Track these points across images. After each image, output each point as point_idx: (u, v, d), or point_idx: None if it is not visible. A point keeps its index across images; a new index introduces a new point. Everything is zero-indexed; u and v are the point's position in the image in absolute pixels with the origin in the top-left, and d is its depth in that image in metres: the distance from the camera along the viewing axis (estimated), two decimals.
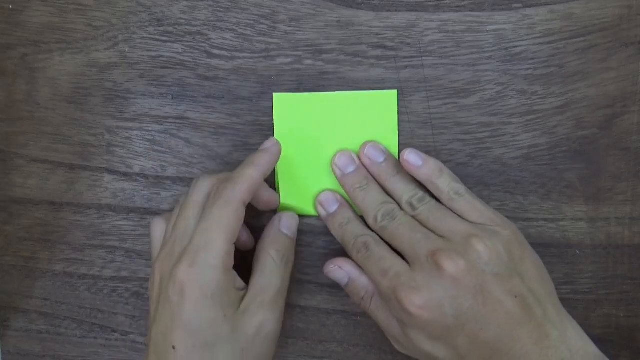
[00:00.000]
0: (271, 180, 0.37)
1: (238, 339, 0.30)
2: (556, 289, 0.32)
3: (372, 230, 0.34)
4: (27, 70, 0.38)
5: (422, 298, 0.30)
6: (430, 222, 0.33)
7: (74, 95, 0.38)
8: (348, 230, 0.34)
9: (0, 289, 0.40)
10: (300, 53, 0.36)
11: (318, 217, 0.37)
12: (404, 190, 0.34)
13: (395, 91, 0.36)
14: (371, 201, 0.34)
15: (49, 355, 0.40)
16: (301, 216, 0.37)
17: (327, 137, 0.36)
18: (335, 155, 0.36)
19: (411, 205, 0.33)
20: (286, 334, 0.38)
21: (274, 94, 0.37)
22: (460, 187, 0.33)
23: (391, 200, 0.34)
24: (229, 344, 0.30)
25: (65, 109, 0.38)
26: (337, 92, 0.36)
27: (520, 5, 0.35)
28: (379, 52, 0.36)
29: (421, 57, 0.36)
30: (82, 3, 0.37)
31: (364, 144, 0.36)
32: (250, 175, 0.31)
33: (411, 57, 0.36)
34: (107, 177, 0.38)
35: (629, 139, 0.36)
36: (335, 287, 0.38)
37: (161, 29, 0.37)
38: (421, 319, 0.30)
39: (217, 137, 0.38)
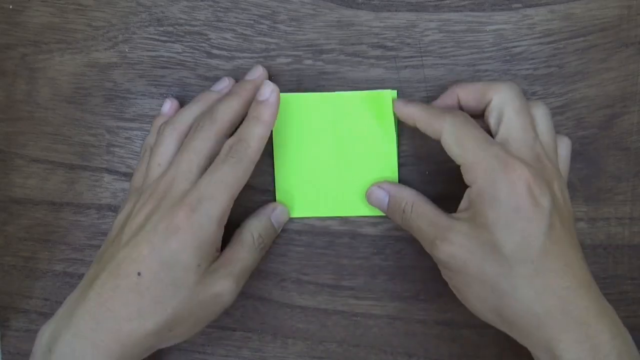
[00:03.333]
0: (269, 181, 0.37)
1: (197, 293, 0.31)
2: None
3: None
4: (27, 70, 0.38)
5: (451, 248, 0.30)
6: None
7: (74, 95, 0.38)
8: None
9: (0, 289, 0.40)
10: (300, 53, 0.36)
11: (317, 217, 0.37)
12: None
13: (395, 91, 0.36)
14: None
15: None
16: (300, 217, 0.37)
17: (327, 137, 0.36)
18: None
19: None
20: (286, 334, 0.38)
21: None
22: None
23: None
24: (188, 293, 0.30)
25: (65, 109, 0.38)
26: (336, 92, 0.36)
27: (520, 5, 0.35)
28: (379, 52, 0.36)
29: (421, 57, 0.36)
30: (82, 3, 0.37)
31: None
32: (261, 135, 0.32)
33: (411, 57, 0.36)
34: (107, 177, 0.38)
35: (629, 139, 0.36)
36: (335, 287, 0.38)
37: (161, 29, 0.37)
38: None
39: None
